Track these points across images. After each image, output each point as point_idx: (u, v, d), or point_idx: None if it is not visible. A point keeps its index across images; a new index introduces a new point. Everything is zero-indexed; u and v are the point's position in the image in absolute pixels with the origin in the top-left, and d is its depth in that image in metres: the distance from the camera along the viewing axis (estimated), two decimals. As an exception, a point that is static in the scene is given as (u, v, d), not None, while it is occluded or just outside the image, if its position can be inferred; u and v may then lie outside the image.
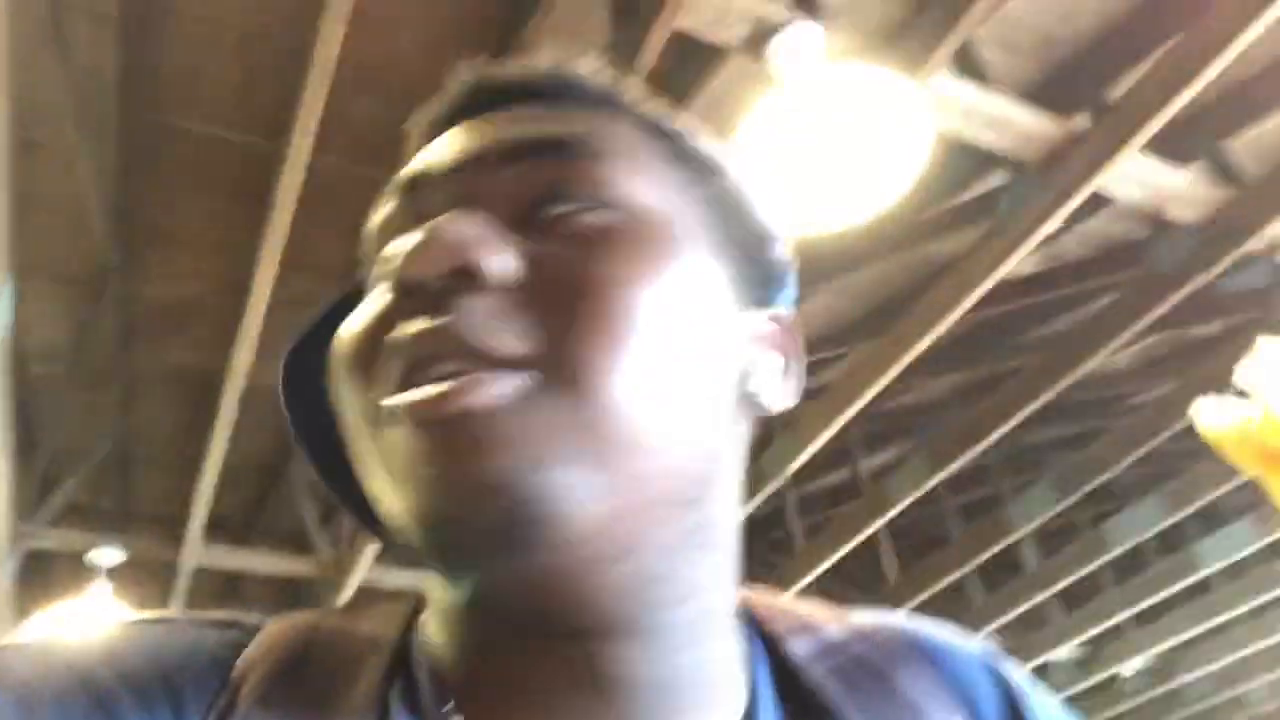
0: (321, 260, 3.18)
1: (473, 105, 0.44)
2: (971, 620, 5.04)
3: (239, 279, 3.05)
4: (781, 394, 0.46)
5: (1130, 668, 5.65)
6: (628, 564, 0.37)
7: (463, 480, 0.34)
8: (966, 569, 4.57)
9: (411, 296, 0.36)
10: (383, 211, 0.42)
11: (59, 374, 3.99)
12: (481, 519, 0.34)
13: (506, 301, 0.36)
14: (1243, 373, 0.37)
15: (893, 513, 4.01)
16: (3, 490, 3.28)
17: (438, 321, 0.35)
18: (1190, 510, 3.98)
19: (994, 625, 5.00)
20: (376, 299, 0.39)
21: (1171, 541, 4.62)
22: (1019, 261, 2.74)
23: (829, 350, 4.21)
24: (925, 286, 3.15)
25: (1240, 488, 3.85)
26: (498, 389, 0.34)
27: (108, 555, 3.88)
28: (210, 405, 3.45)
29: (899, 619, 0.50)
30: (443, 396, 0.34)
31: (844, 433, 3.67)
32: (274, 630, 0.43)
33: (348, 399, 0.38)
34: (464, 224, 0.36)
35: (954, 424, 3.85)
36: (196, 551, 3.95)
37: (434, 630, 0.42)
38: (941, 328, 2.94)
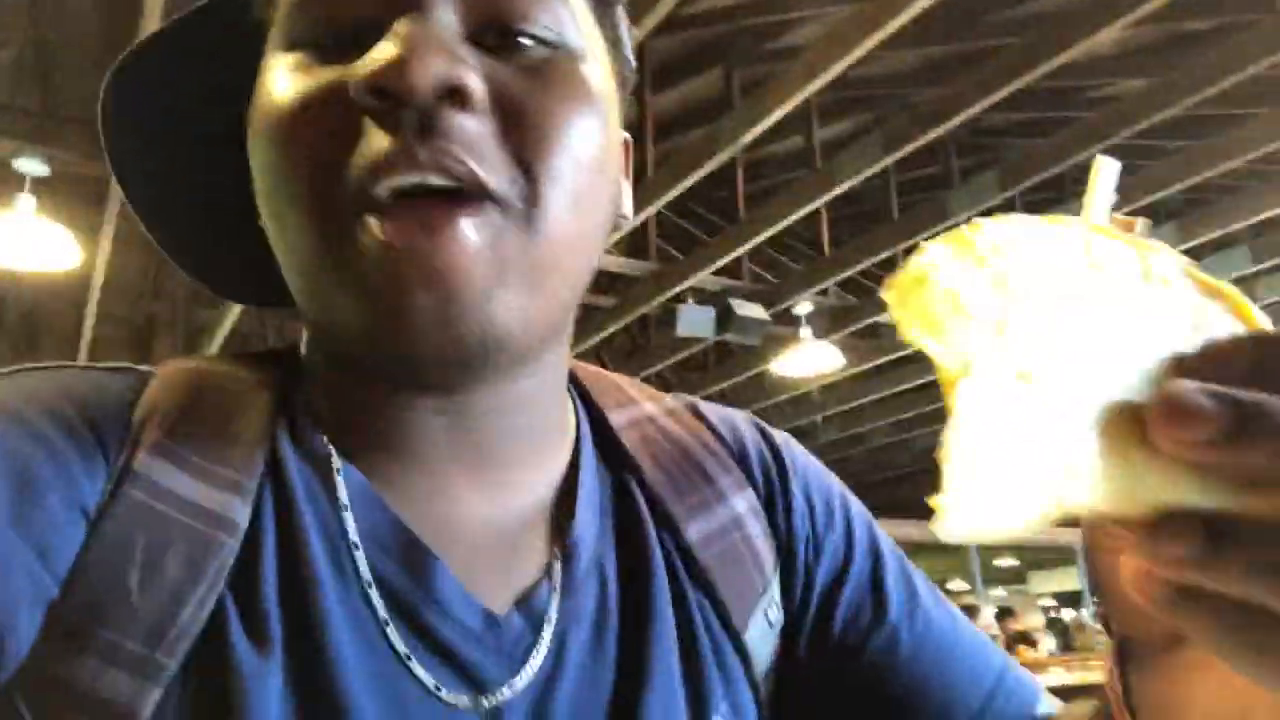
0: None
1: None
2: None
3: None
4: (627, 209, 0.53)
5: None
6: (518, 360, 0.45)
7: (438, 307, 0.39)
8: (900, 247, 4.71)
9: (396, 108, 0.38)
10: None
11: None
12: (447, 344, 0.40)
13: (485, 128, 0.40)
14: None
15: (840, 189, 4.03)
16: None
17: (435, 142, 0.39)
18: (1133, 207, 4.07)
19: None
20: (324, 83, 0.41)
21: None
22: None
23: (800, 8, 3.98)
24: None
25: (1177, 193, 3.91)
26: (477, 223, 0.39)
27: (31, 165, 3.66)
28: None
29: (694, 401, 0.61)
30: (433, 227, 0.38)
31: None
32: (167, 374, 0.48)
33: (301, 192, 0.40)
34: (447, 38, 0.40)
35: (917, 102, 3.76)
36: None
37: (314, 387, 0.49)
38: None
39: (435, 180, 0.39)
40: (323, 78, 0.41)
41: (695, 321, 5.01)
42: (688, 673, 0.50)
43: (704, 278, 4.88)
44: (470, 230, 0.39)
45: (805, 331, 5.36)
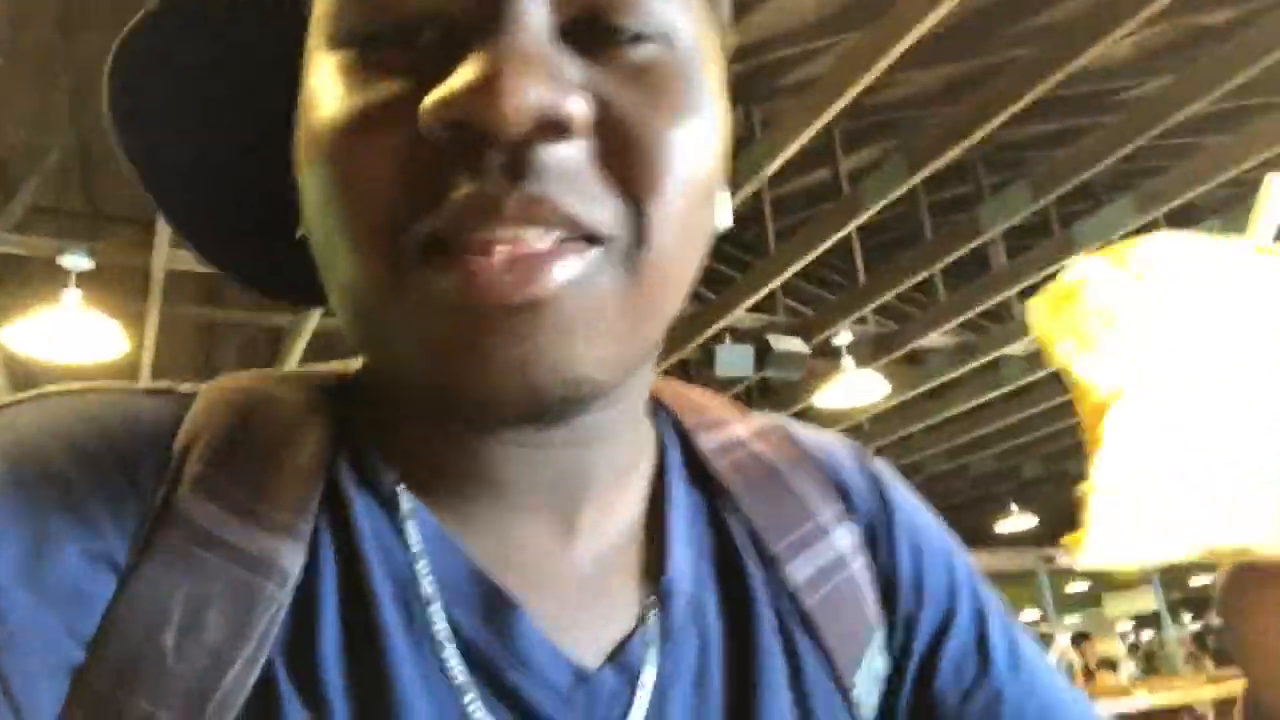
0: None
1: None
2: (935, 317, 5.22)
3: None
4: (725, 219, 0.44)
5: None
6: (600, 400, 0.37)
7: (522, 363, 0.33)
8: (935, 268, 4.66)
9: (479, 144, 0.31)
10: None
11: (1, 68, 3.72)
12: (525, 396, 0.33)
13: (585, 155, 0.33)
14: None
15: (868, 214, 4.01)
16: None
17: (527, 186, 0.32)
18: (1164, 210, 4.00)
19: (956, 321, 5.18)
20: (387, 101, 0.33)
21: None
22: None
23: (814, 41, 4.00)
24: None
25: (1216, 188, 3.85)
26: (571, 268, 0.33)
27: (76, 261, 3.80)
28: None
29: (787, 422, 0.56)
30: (519, 279, 0.32)
31: (824, 130, 3.57)
32: (210, 398, 0.42)
33: (360, 231, 0.33)
34: (540, 49, 0.32)
35: (937, 121, 3.74)
36: (167, 254, 3.91)
37: (376, 415, 0.43)
38: (935, 15, 2.76)
39: (528, 235, 0.32)
40: (385, 92, 0.33)
41: (734, 361, 4.98)
42: None
43: (740, 315, 4.86)
44: (563, 277, 0.32)
45: (847, 361, 5.30)
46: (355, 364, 0.47)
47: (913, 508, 0.55)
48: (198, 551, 0.37)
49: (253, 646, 0.36)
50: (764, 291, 4.60)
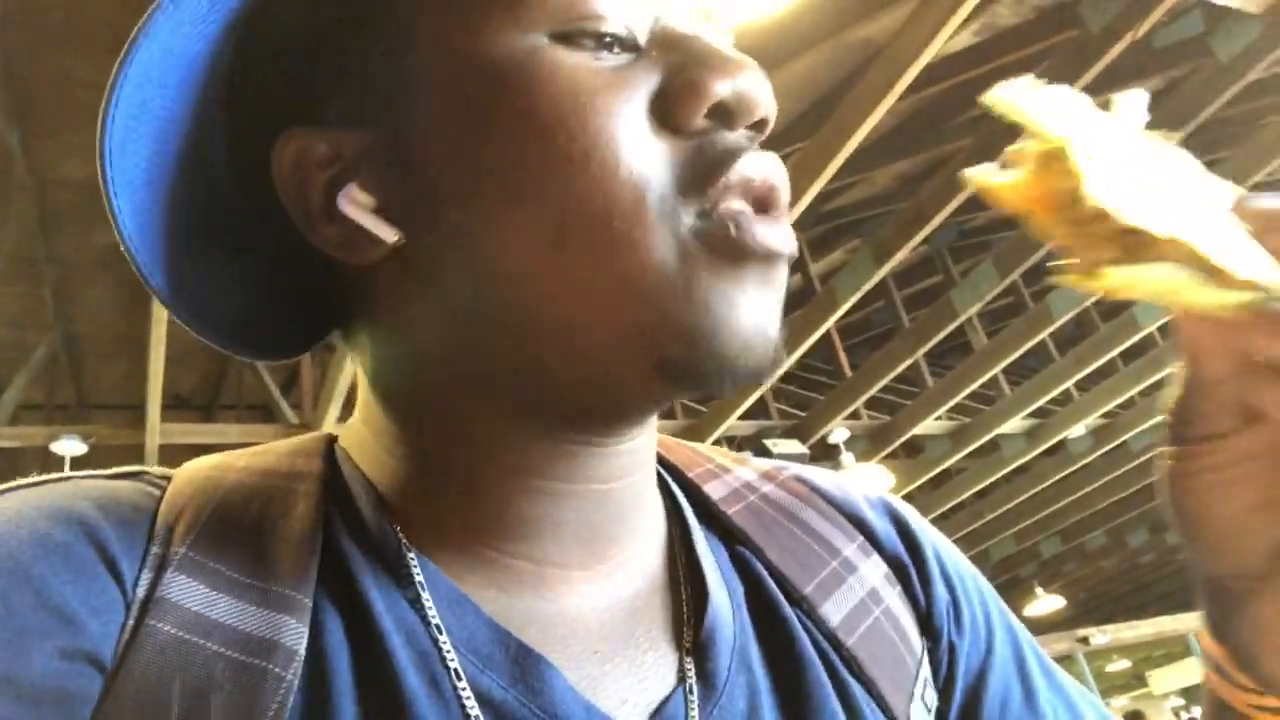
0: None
1: None
2: (925, 403, 5.25)
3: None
4: None
5: (1076, 432, 5.95)
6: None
7: (775, 314, 0.37)
8: (918, 354, 4.71)
9: (755, 128, 0.37)
10: None
11: (-18, 271, 3.84)
12: (771, 352, 0.37)
13: None
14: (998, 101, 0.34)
15: (842, 310, 4.09)
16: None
17: (778, 165, 0.37)
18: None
19: (947, 405, 5.20)
20: (634, 99, 0.36)
21: (1113, 305, 4.77)
22: (953, 36, 2.67)
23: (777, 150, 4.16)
24: (858, 74, 3.09)
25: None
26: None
27: (69, 446, 3.85)
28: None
29: (790, 465, 0.55)
30: (782, 234, 0.37)
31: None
32: (187, 476, 0.41)
33: (646, 219, 0.35)
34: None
35: (897, 215, 3.86)
36: (158, 432, 3.94)
37: (388, 469, 0.42)
38: (877, 115, 2.90)
39: (780, 209, 0.38)
40: (636, 88, 0.36)
41: (734, 471, 4.97)
42: None
43: (733, 424, 4.88)
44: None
45: (846, 458, 5.30)
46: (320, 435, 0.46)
47: (937, 536, 0.54)
48: (191, 638, 0.34)
49: None
50: (754, 397, 4.63)
